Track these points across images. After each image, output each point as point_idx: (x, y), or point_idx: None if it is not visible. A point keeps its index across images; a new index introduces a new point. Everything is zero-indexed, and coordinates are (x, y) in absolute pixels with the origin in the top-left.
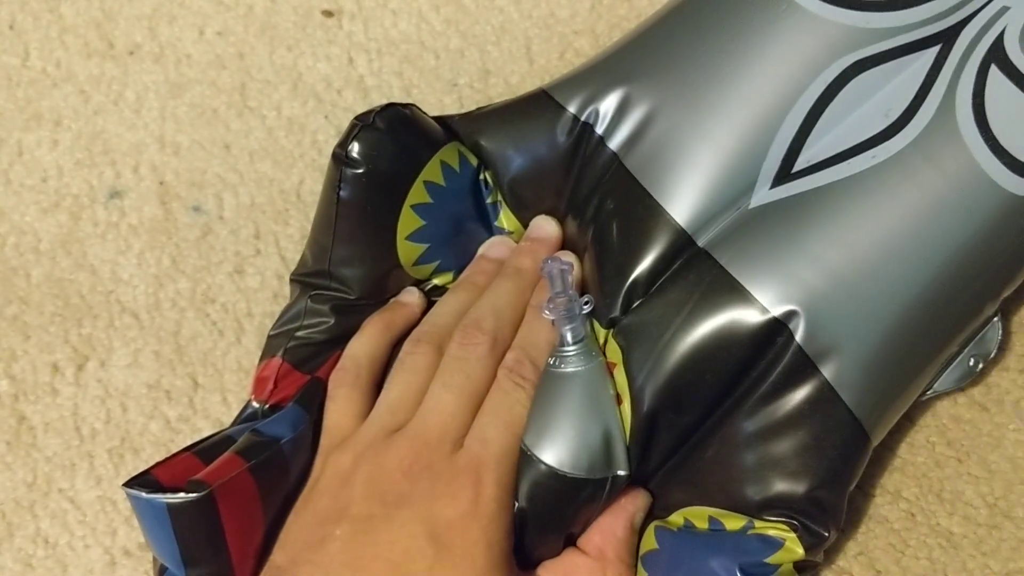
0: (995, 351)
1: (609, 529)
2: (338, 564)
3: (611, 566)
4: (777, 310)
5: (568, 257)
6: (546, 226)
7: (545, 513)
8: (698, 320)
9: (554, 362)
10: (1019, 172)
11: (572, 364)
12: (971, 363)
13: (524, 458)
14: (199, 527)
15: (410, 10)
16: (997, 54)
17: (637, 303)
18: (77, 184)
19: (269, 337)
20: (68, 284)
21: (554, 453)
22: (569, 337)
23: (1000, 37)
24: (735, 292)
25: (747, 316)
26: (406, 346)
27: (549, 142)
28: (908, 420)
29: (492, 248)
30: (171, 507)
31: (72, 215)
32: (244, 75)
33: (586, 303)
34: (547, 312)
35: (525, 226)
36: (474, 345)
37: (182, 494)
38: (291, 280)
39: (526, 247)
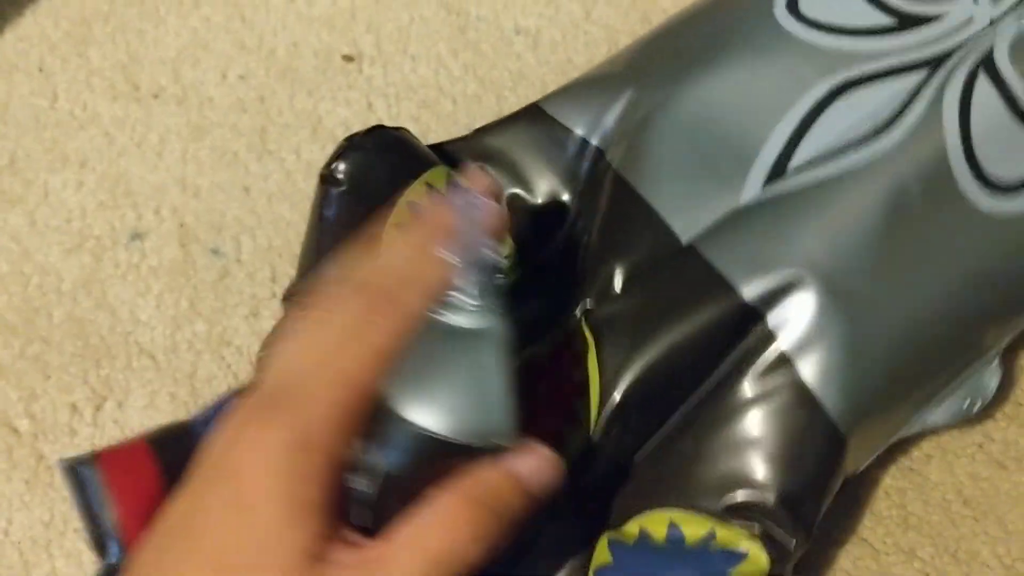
0: (992, 395)
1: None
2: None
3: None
4: (756, 303)
5: (490, 199)
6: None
7: (409, 476)
8: (678, 315)
9: (444, 312)
10: (998, 192)
11: (464, 319)
12: (967, 403)
13: (391, 417)
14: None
15: (429, 55)
16: (988, 67)
17: (617, 294)
18: (100, 225)
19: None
20: (88, 324)
21: (428, 414)
22: (468, 288)
23: (990, 53)
24: (717, 286)
25: (727, 310)
26: None
27: (553, 164)
28: (923, 477)
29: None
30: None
31: (94, 256)
32: (264, 119)
33: (506, 257)
34: (445, 255)
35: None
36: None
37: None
38: (283, 299)
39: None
